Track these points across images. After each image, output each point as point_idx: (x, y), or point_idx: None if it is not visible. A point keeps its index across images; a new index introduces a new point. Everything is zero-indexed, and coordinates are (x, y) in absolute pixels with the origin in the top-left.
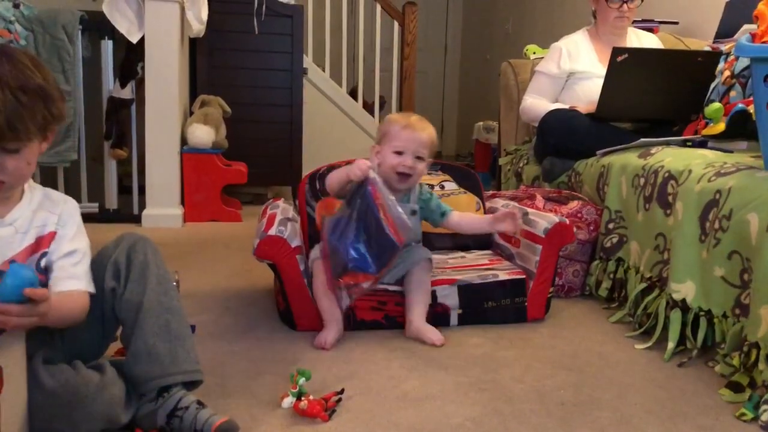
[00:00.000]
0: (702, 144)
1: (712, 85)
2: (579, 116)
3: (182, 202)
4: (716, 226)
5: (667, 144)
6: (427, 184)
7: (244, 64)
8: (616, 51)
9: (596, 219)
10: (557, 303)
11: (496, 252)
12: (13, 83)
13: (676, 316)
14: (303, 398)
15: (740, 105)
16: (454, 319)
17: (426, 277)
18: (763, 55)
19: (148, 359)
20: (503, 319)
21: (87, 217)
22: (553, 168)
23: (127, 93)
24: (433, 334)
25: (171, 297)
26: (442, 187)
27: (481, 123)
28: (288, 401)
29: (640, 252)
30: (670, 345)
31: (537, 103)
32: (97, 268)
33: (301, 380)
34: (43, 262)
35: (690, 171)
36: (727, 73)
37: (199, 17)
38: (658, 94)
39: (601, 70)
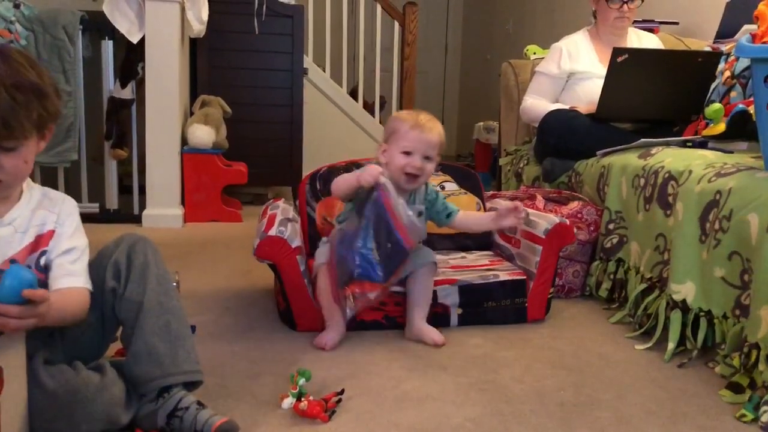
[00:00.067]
0: (702, 144)
1: (713, 86)
2: (579, 116)
3: (182, 203)
4: (716, 226)
5: (668, 144)
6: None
7: (245, 64)
8: (617, 51)
9: (596, 219)
10: (557, 303)
11: (497, 253)
12: (8, 81)
13: (676, 316)
14: (303, 399)
15: (740, 105)
16: (454, 319)
17: (429, 280)
18: (763, 55)
19: (148, 360)
20: (503, 319)
21: (87, 218)
22: (554, 168)
23: (127, 93)
24: (433, 334)
25: (171, 297)
26: (443, 188)
27: (481, 123)
28: (288, 402)
29: (640, 252)
30: (670, 345)
31: (537, 103)
32: (97, 268)
33: (301, 381)
34: (42, 261)
35: (690, 171)
36: (727, 73)
37: (199, 17)
38: (658, 94)
39: (602, 70)
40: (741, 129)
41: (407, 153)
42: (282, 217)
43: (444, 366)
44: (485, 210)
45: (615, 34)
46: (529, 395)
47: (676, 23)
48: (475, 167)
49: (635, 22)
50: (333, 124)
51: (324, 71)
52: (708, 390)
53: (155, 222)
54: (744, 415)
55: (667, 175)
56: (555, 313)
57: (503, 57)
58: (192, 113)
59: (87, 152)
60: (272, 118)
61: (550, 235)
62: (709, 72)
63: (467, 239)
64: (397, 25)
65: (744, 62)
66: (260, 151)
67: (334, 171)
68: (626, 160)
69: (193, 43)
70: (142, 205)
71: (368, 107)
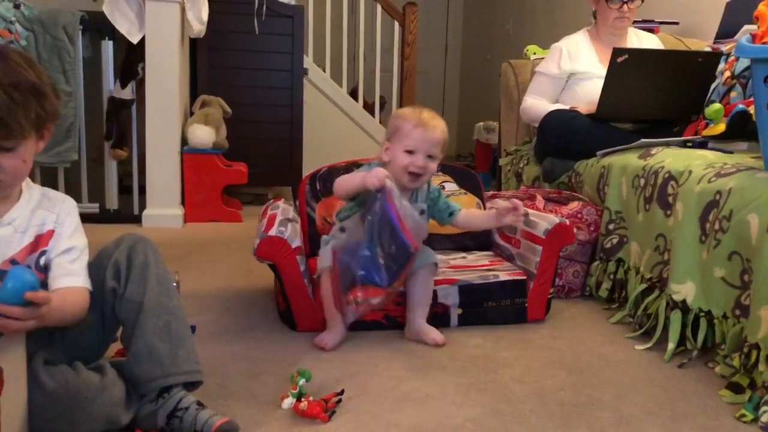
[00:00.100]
0: (702, 145)
1: (713, 86)
2: (579, 117)
3: (182, 203)
4: (716, 226)
5: (668, 145)
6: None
7: (245, 64)
8: (617, 51)
9: (596, 220)
10: (557, 304)
11: (497, 253)
12: (6, 81)
13: (676, 316)
14: (303, 399)
15: (740, 106)
16: (454, 319)
17: (430, 280)
18: (763, 55)
19: (148, 360)
20: (503, 319)
21: (87, 218)
22: (554, 168)
23: (127, 93)
24: (434, 334)
25: (171, 297)
26: (443, 188)
27: (481, 123)
28: (288, 402)
29: (640, 253)
30: (671, 346)
31: (537, 103)
32: (97, 268)
33: (301, 381)
34: (42, 261)
35: (690, 172)
36: (727, 73)
37: (199, 17)
38: (658, 94)
39: (602, 70)
40: (741, 129)
41: (410, 152)
42: (282, 218)
43: (444, 366)
44: (485, 210)
45: (615, 34)
46: (529, 395)
47: (676, 23)
48: (475, 167)
49: (635, 22)
50: (333, 124)
51: (324, 71)
52: (708, 390)
53: (155, 222)
54: (744, 415)
55: (667, 175)
56: (555, 314)
57: (503, 57)
58: (192, 113)
59: (87, 152)
60: (272, 118)
61: (550, 235)
62: (709, 72)
63: (467, 239)
64: (397, 25)
65: (744, 62)
66: (260, 151)
67: (334, 171)
68: (626, 161)
69: (193, 43)
70: (142, 205)
71: (368, 107)
